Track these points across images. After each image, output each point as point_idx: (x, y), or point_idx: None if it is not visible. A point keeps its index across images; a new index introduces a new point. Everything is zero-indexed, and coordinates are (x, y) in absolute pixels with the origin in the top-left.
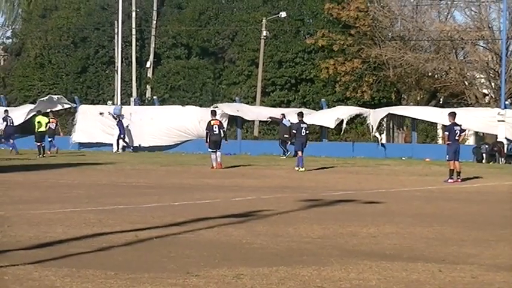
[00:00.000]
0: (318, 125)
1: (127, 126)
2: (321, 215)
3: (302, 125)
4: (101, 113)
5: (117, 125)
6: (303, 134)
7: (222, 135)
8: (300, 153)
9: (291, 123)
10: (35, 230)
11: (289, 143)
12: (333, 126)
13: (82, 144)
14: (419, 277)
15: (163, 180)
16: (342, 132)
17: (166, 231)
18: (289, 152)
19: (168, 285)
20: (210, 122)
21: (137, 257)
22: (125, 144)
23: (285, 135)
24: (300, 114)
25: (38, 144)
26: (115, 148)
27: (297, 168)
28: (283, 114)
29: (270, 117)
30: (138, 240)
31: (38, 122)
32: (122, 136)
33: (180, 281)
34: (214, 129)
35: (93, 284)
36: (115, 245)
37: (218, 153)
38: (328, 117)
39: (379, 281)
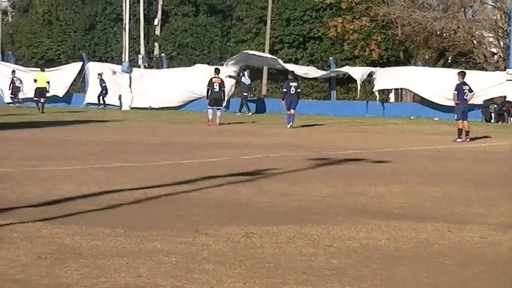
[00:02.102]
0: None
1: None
2: (329, 174)
3: (291, 84)
4: (114, 73)
5: (100, 83)
6: (292, 93)
7: (222, 94)
8: (292, 111)
9: (251, 80)
10: (43, 187)
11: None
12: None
13: (92, 104)
14: (428, 237)
15: (171, 138)
16: (358, 91)
17: (175, 189)
18: (242, 111)
19: (178, 243)
20: (211, 79)
21: (146, 215)
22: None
23: (244, 93)
24: (291, 73)
25: (36, 99)
26: (124, 105)
27: (288, 126)
28: (242, 72)
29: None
30: (147, 198)
31: (35, 80)
32: (103, 93)
33: (189, 239)
34: (215, 87)
35: (103, 242)
36: (123, 202)
37: (218, 112)
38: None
39: (388, 241)
